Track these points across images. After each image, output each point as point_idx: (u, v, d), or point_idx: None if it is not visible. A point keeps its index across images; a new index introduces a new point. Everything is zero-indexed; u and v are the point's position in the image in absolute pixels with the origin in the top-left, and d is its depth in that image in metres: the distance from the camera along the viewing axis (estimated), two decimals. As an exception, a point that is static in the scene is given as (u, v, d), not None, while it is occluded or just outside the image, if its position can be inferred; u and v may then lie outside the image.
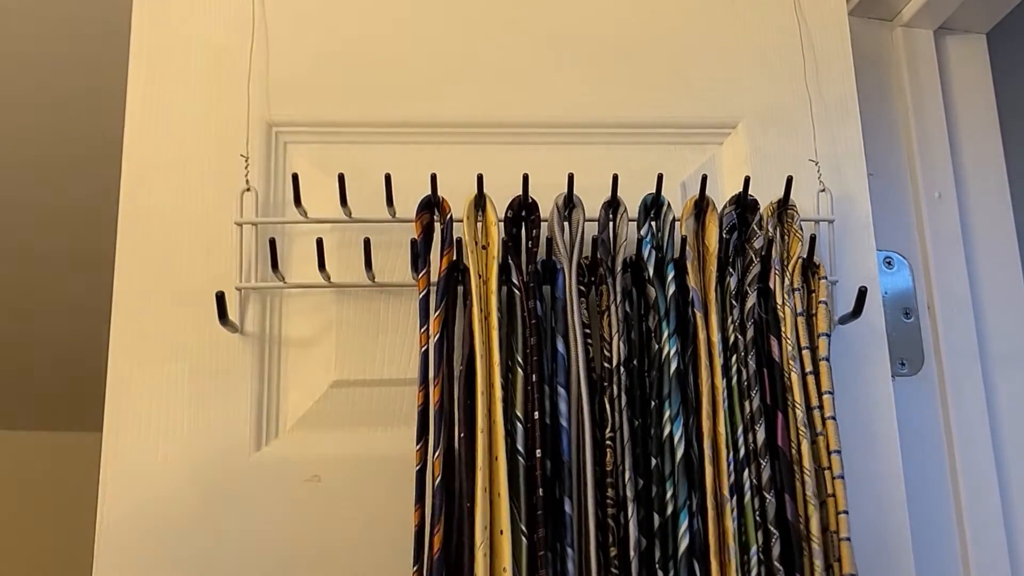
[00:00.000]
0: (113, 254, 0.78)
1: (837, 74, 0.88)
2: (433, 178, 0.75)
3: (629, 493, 0.69)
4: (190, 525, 0.74)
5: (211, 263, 0.79)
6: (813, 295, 0.79)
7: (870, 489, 0.78)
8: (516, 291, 0.73)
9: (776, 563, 0.69)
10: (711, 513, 0.69)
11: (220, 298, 0.74)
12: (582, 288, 0.75)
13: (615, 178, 0.76)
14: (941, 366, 0.89)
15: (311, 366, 0.79)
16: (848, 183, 0.85)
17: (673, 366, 0.72)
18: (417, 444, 0.69)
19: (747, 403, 0.73)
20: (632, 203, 0.78)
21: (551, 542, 0.67)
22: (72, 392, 2.33)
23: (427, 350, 0.71)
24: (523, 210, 0.77)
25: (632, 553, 0.67)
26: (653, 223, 0.77)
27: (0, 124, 1.46)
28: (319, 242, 0.75)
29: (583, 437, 0.70)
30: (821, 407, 0.73)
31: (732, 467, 0.71)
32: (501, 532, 0.65)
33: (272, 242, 0.75)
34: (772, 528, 0.69)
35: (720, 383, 0.72)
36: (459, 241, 0.75)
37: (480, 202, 0.76)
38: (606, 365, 0.73)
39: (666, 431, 0.71)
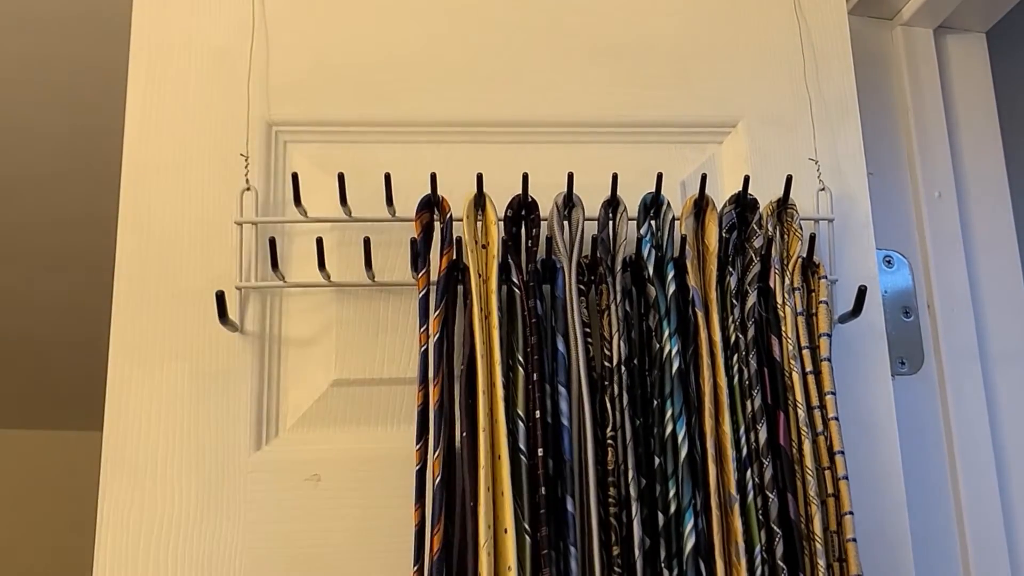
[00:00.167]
0: (113, 254, 0.78)
1: (837, 73, 0.88)
2: (433, 177, 0.75)
3: (632, 492, 0.69)
4: (190, 525, 0.74)
5: (211, 263, 0.79)
6: (813, 294, 0.79)
7: (870, 489, 0.78)
8: (516, 290, 0.73)
9: (780, 562, 0.69)
10: (715, 512, 0.69)
11: (220, 297, 0.74)
12: (582, 287, 0.75)
13: (615, 177, 0.76)
14: (941, 365, 0.89)
15: (311, 366, 0.79)
16: (848, 182, 0.85)
17: (675, 365, 0.72)
18: (417, 444, 0.69)
19: (749, 402, 0.73)
20: (632, 202, 0.78)
21: (554, 541, 0.67)
22: (72, 392, 2.33)
23: (427, 349, 0.71)
24: (523, 209, 0.77)
25: (636, 552, 0.67)
26: (653, 222, 0.77)
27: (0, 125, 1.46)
28: (319, 241, 0.75)
29: (584, 436, 0.70)
30: (823, 407, 0.73)
31: (735, 466, 0.71)
32: (505, 531, 0.65)
33: (272, 241, 0.75)
34: (775, 527, 0.69)
35: (722, 382, 0.72)
36: (459, 240, 0.75)
37: (480, 201, 0.76)
38: (606, 364, 0.73)
39: (668, 430, 0.71)
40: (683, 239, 0.77)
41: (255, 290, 0.79)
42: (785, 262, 0.78)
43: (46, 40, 1.28)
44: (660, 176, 0.77)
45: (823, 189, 0.84)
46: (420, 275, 0.74)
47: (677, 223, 0.78)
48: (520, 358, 0.71)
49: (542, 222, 0.77)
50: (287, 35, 0.85)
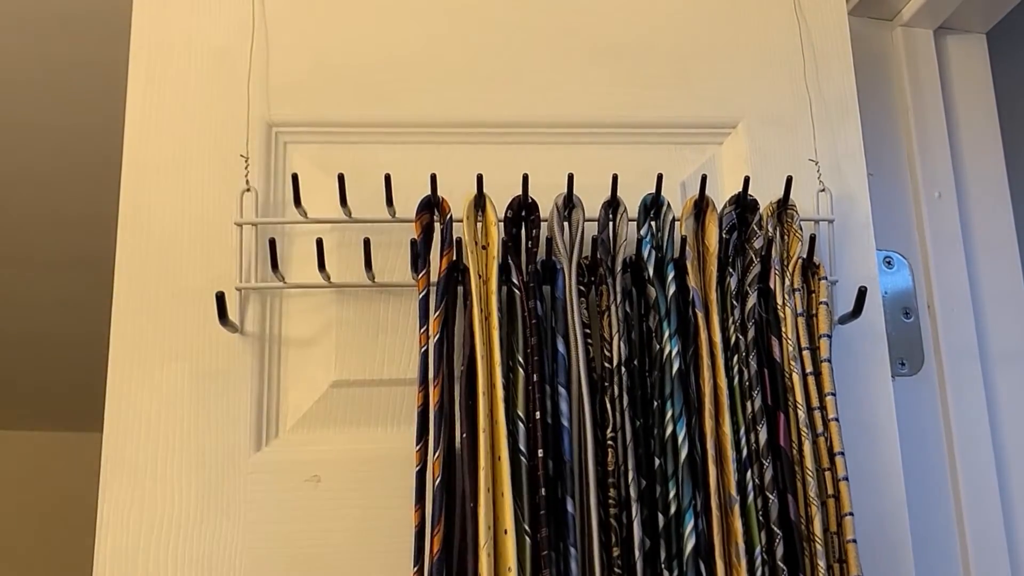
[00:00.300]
0: (113, 254, 0.78)
1: (837, 74, 0.88)
2: (433, 178, 0.75)
3: (632, 493, 0.69)
4: (190, 525, 0.74)
5: (211, 263, 0.79)
6: (813, 295, 0.79)
7: (870, 489, 0.78)
8: (516, 291, 0.73)
9: (780, 563, 0.69)
10: (715, 513, 0.69)
11: (220, 298, 0.74)
12: (582, 288, 0.75)
13: (615, 178, 0.76)
14: (941, 366, 0.89)
15: (311, 366, 0.79)
16: (848, 183, 0.85)
17: (675, 366, 0.72)
18: (417, 445, 0.69)
19: (749, 403, 0.73)
20: (632, 203, 0.78)
21: (554, 542, 0.67)
22: (72, 392, 2.33)
23: (427, 350, 0.71)
24: (523, 210, 0.77)
25: (636, 553, 0.67)
26: (653, 223, 0.77)
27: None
28: (319, 242, 0.75)
29: (584, 437, 0.70)
30: (823, 408, 0.73)
31: (735, 467, 0.71)
32: (505, 532, 0.65)
33: (272, 242, 0.75)
34: (775, 528, 0.69)
35: (722, 383, 0.72)
36: (459, 241, 0.75)
37: (480, 202, 0.76)
38: (607, 365, 0.73)
39: (669, 431, 0.71)
40: (683, 240, 0.76)
41: (255, 291, 0.79)
42: (785, 263, 0.78)
43: (46, 39, 1.28)
44: (660, 177, 0.77)
45: (823, 190, 0.84)
46: (420, 276, 0.74)
47: (677, 224, 0.78)
48: (520, 359, 0.71)
49: (542, 223, 0.77)
50: (287, 35, 0.85)
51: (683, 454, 0.70)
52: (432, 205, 0.76)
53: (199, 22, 0.84)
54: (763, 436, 0.72)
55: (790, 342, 0.75)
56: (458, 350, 0.73)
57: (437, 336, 0.71)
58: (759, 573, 0.68)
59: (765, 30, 0.89)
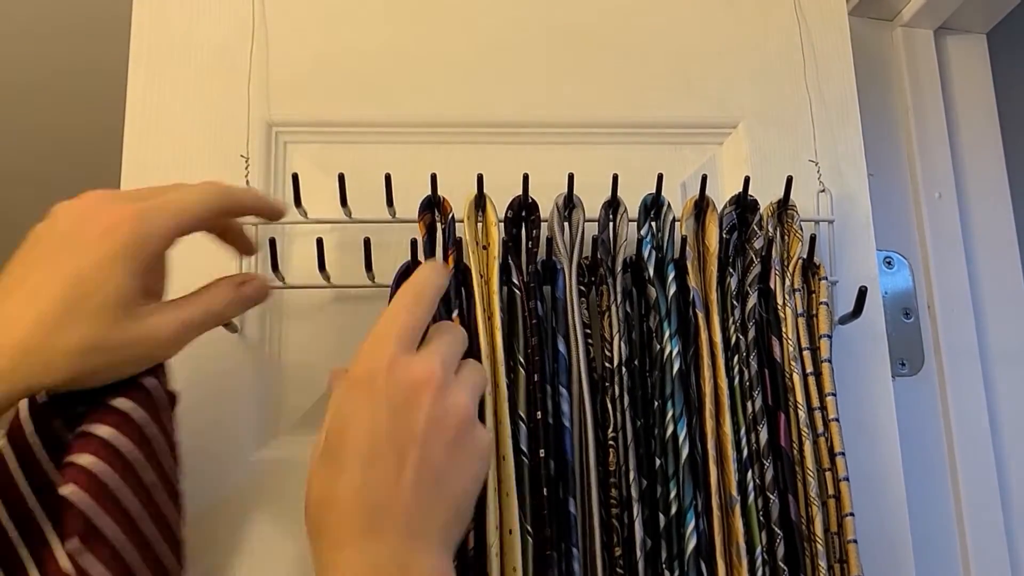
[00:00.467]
0: (113, 254, 0.78)
1: (837, 74, 0.88)
2: (433, 178, 0.75)
3: (634, 493, 0.69)
4: (189, 525, 0.74)
5: (211, 263, 0.78)
6: (813, 296, 0.79)
7: (870, 489, 0.78)
8: (516, 291, 0.73)
9: (781, 563, 0.69)
10: (716, 513, 0.69)
11: (220, 298, 0.74)
12: (582, 288, 0.75)
13: (615, 178, 0.76)
14: (941, 366, 0.89)
15: (311, 366, 0.79)
16: (848, 183, 0.85)
17: (676, 366, 0.72)
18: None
19: (749, 404, 0.73)
20: (632, 203, 0.78)
21: (556, 542, 0.67)
22: (71, 392, 2.32)
23: None
24: (523, 210, 0.77)
25: (638, 553, 0.67)
26: (653, 223, 0.77)
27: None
28: (319, 242, 0.75)
29: (586, 437, 0.70)
30: (823, 408, 0.73)
31: (736, 467, 0.71)
32: (510, 532, 0.65)
33: (272, 242, 0.75)
34: (776, 528, 0.70)
35: (723, 383, 0.72)
36: (460, 241, 0.75)
37: (480, 202, 0.76)
38: (607, 365, 0.73)
39: (669, 431, 0.71)
40: (683, 240, 0.77)
41: (255, 291, 0.78)
42: (785, 263, 0.78)
43: (46, 40, 1.28)
44: (660, 177, 0.77)
45: (823, 190, 0.84)
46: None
47: (677, 224, 0.78)
48: (521, 359, 0.71)
49: (542, 223, 0.77)
50: (287, 35, 0.85)
51: (684, 454, 0.70)
52: (433, 205, 0.76)
53: (199, 22, 0.84)
54: (764, 436, 0.72)
55: (790, 342, 0.75)
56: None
57: None
58: (760, 573, 0.69)
59: (765, 30, 0.89)
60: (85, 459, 0.52)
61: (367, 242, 0.76)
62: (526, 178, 0.76)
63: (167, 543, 0.58)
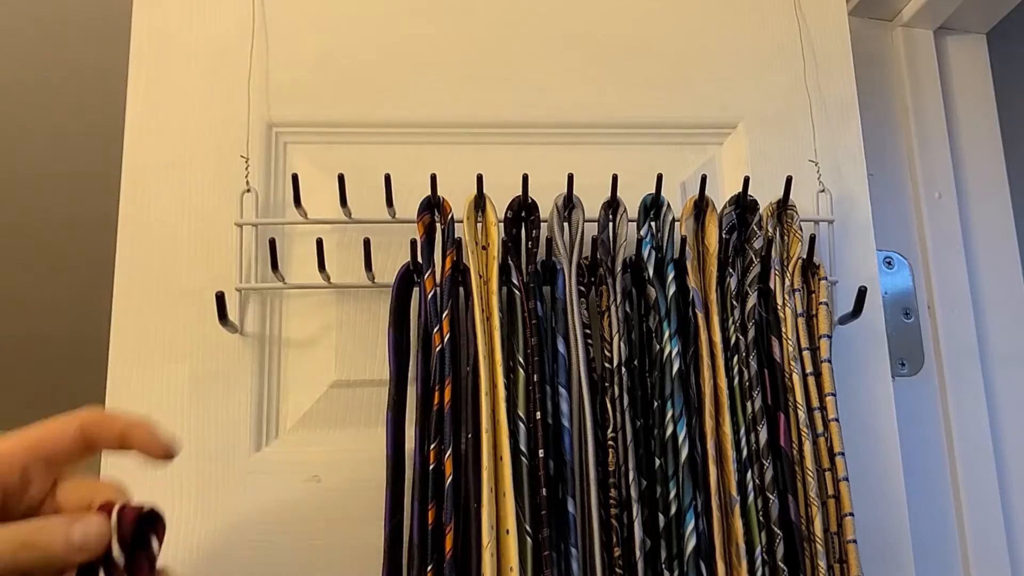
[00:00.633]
0: (113, 254, 0.78)
1: (837, 74, 0.88)
2: (433, 178, 0.75)
3: (633, 493, 0.69)
4: (190, 525, 0.74)
5: (211, 263, 0.79)
6: (813, 296, 0.79)
7: (870, 489, 0.78)
8: (516, 291, 0.73)
9: (780, 563, 0.69)
10: (716, 513, 0.69)
11: (220, 298, 0.74)
12: (582, 288, 0.75)
13: (615, 178, 0.76)
14: (941, 366, 0.89)
15: (311, 366, 0.79)
16: (848, 183, 0.85)
17: (675, 366, 0.72)
18: (432, 443, 0.69)
19: (749, 404, 0.73)
20: (632, 203, 0.78)
21: (555, 542, 0.67)
22: (72, 392, 2.33)
23: (442, 350, 0.70)
24: (523, 210, 0.77)
25: (637, 553, 0.67)
26: (653, 223, 0.77)
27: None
28: (319, 242, 0.75)
29: (585, 437, 0.70)
30: (823, 408, 0.73)
31: (736, 467, 0.71)
32: (507, 532, 0.65)
33: (272, 242, 0.75)
34: (776, 529, 0.69)
35: (723, 383, 0.72)
36: (459, 241, 0.75)
37: (480, 202, 0.76)
38: (607, 365, 0.73)
39: (669, 431, 0.71)
40: (683, 240, 0.76)
41: (255, 291, 0.79)
42: (785, 263, 0.78)
43: (46, 40, 1.28)
44: (660, 177, 0.77)
45: (823, 190, 0.84)
46: (426, 277, 0.73)
47: (677, 224, 0.78)
48: (521, 359, 0.71)
49: (542, 223, 0.77)
50: (287, 35, 0.85)
51: (683, 454, 0.70)
52: (433, 205, 0.76)
53: (199, 22, 0.84)
54: (763, 436, 0.72)
55: (790, 342, 0.75)
56: (463, 350, 0.73)
57: (449, 336, 0.71)
58: (759, 573, 0.68)
59: (765, 30, 0.89)
60: None
61: (367, 242, 0.76)
62: (525, 178, 0.76)
63: None
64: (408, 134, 0.84)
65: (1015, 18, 0.99)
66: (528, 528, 0.66)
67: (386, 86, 0.84)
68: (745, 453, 0.72)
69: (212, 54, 0.83)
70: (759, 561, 0.69)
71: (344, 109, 0.84)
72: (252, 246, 0.79)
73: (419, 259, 0.74)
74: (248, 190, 0.79)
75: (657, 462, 0.71)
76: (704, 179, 0.78)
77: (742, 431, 0.72)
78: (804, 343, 0.75)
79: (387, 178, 0.75)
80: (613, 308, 0.74)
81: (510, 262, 0.74)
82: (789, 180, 0.79)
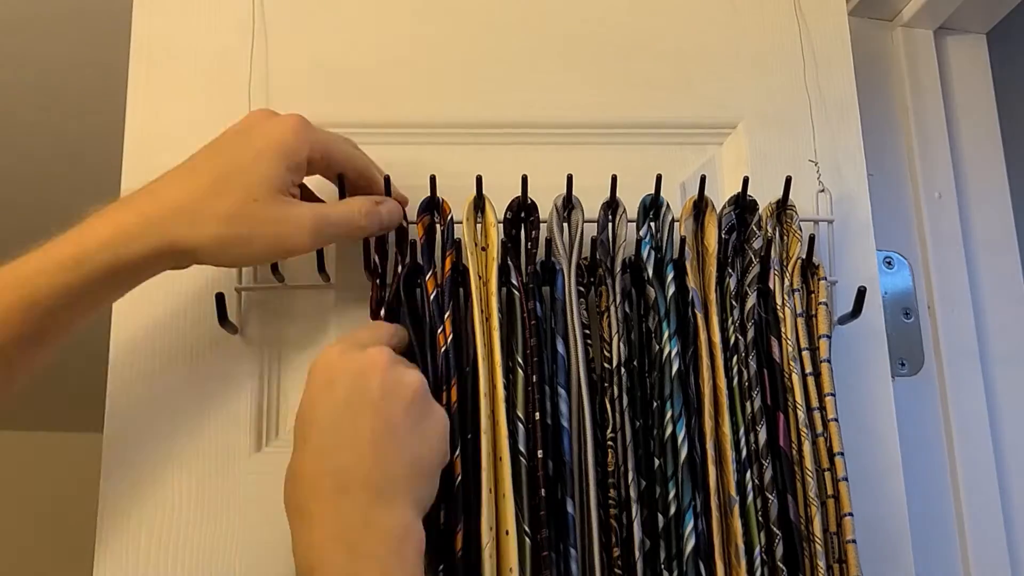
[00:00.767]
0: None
1: (837, 74, 0.88)
2: (433, 179, 0.75)
3: (632, 494, 0.69)
4: (190, 526, 0.74)
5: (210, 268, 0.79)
6: (813, 296, 0.79)
7: (870, 489, 0.78)
8: (515, 292, 0.73)
9: (779, 563, 0.69)
10: (715, 514, 0.69)
11: (220, 299, 0.74)
12: (581, 289, 0.75)
13: (614, 179, 0.76)
14: (941, 366, 0.89)
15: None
16: (848, 183, 0.85)
17: (674, 367, 0.72)
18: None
19: (748, 404, 0.73)
20: (631, 204, 0.78)
21: (554, 543, 0.67)
22: (72, 392, 2.33)
23: (447, 351, 0.70)
24: (522, 211, 0.77)
25: (636, 554, 0.67)
26: (652, 224, 0.77)
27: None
28: (319, 243, 0.74)
29: (584, 438, 0.70)
30: (823, 409, 0.73)
31: (735, 468, 0.71)
32: (507, 533, 0.65)
33: (272, 243, 0.75)
34: (775, 529, 0.70)
35: (722, 384, 0.72)
36: (459, 242, 0.75)
37: (479, 203, 0.76)
38: (606, 366, 0.73)
39: (668, 431, 0.71)
40: (682, 240, 0.77)
41: (255, 292, 0.79)
42: (785, 263, 0.78)
43: (46, 40, 1.28)
44: (659, 178, 0.77)
45: (823, 190, 0.84)
46: (428, 277, 0.73)
47: (676, 225, 0.78)
48: (520, 360, 0.71)
49: (541, 224, 0.77)
50: (287, 35, 0.85)
51: (683, 455, 0.70)
52: (432, 207, 0.76)
53: (199, 23, 0.84)
54: (763, 436, 0.72)
55: (790, 343, 0.75)
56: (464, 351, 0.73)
57: (452, 337, 0.71)
58: (759, 573, 0.69)
59: (765, 31, 0.89)
60: None
61: (367, 242, 0.76)
62: (525, 179, 0.76)
63: None
64: (408, 134, 0.84)
65: (1015, 18, 0.99)
66: (527, 529, 0.66)
67: (385, 87, 0.84)
68: (744, 453, 0.72)
69: (212, 55, 0.83)
70: (758, 561, 0.69)
71: (344, 109, 0.84)
72: (252, 246, 0.78)
73: (419, 260, 0.73)
74: (248, 190, 0.79)
75: (656, 462, 0.71)
76: (704, 179, 0.78)
77: (741, 431, 0.72)
78: (804, 343, 0.75)
79: (387, 179, 0.75)
80: (612, 308, 0.74)
81: (509, 263, 0.74)
82: (789, 180, 0.79)
